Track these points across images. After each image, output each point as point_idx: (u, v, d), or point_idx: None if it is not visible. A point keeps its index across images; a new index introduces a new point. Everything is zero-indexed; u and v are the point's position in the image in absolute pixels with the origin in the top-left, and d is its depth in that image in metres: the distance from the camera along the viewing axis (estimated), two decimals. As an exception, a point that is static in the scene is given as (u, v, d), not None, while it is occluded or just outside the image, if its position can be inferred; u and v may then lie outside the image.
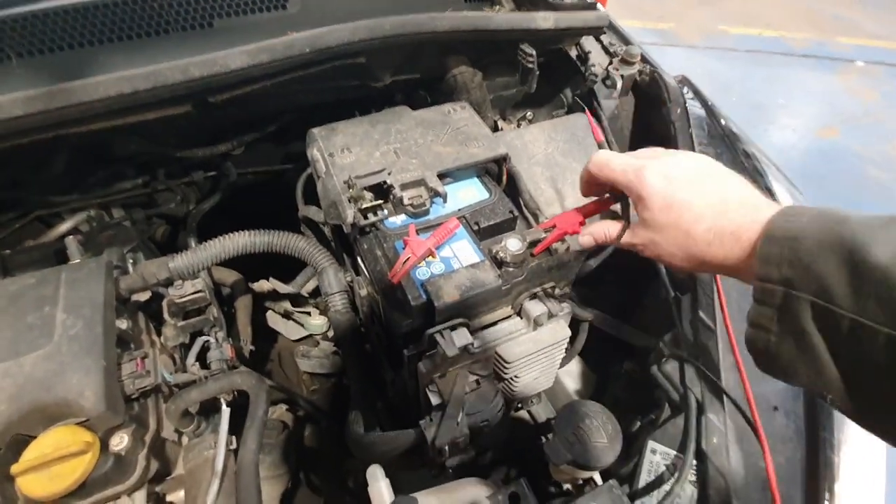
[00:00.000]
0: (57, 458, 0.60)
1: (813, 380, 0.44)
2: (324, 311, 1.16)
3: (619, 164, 0.60)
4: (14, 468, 0.59)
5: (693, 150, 0.85)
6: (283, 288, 1.21)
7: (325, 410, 1.01)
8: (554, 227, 0.72)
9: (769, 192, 0.83)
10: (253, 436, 0.64)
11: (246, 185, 1.29)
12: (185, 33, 0.80)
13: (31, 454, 0.60)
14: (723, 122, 0.92)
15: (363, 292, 0.86)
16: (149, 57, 0.71)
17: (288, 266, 1.10)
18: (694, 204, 0.53)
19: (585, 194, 0.68)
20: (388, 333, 0.73)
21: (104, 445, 0.64)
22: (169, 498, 0.76)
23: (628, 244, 0.61)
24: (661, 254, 0.57)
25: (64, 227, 1.06)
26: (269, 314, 1.24)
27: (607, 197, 0.67)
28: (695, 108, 0.95)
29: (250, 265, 1.06)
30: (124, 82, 0.69)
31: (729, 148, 0.87)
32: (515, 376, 0.72)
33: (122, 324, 0.73)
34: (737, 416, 0.61)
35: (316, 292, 1.22)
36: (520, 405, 0.91)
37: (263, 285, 1.23)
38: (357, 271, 0.88)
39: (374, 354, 0.86)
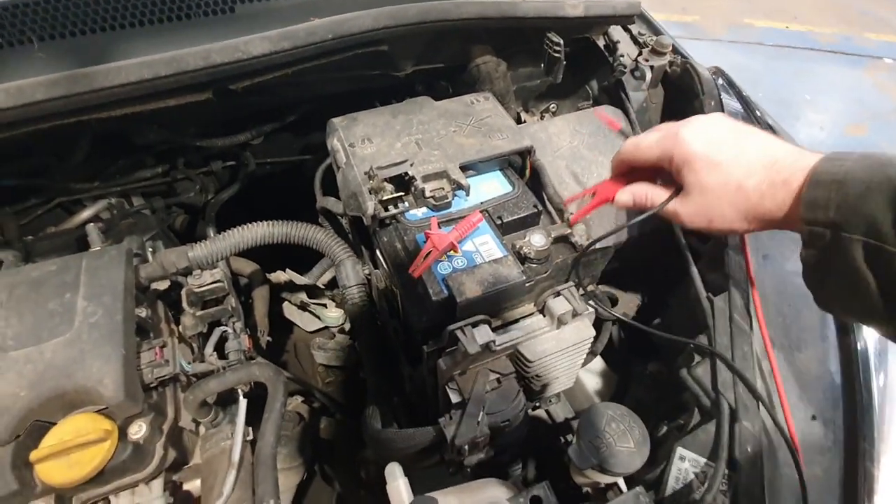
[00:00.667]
0: (76, 445, 0.60)
1: (864, 313, 0.46)
2: (340, 304, 1.16)
3: (652, 139, 0.59)
4: (33, 455, 0.59)
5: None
6: (300, 279, 1.21)
7: (340, 403, 1.00)
8: (594, 193, 0.69)
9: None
10: (271, 428, 0.64)
11: (264, 175, 1.28)
12: (207, 19, 0.79)
13: (50, 441, 0.60)
14: (759, 113, 0.88)
15: (381, 286, 0.85)
16: (170, 42, 0.70)
17: (305, 257, 1.09)
18: (741, 159, 0.52)
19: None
20: (407, 329, 0.72)
21: (122, 434, 0.64)
22: (186, 487, 0.76)
23: (673, 213, 0.58)
24: (713, 217, 0.55)
25: (85, 214, 1.07)
26: (286, 305, 1.24)
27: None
28: (728, 101, 0.91)
29: (267, 256, 1.06)
30: (145, 68, 0.68)
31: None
32: (537, 375, 0.70)
33: (142, 312, 0.72)
34: (772, 424, 0.58)
35: (332, 284, 1.21)
36: (538, 404, 0.89)
37: (280, 276, 1.22)
38: (375, 264, 0.87)
39: (392, 349, 0.85)
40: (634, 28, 1.06)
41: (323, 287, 1.24)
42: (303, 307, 1.24)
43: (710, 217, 0.55)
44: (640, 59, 0.98)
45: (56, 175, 1.03)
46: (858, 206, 0.43)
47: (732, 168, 0.52)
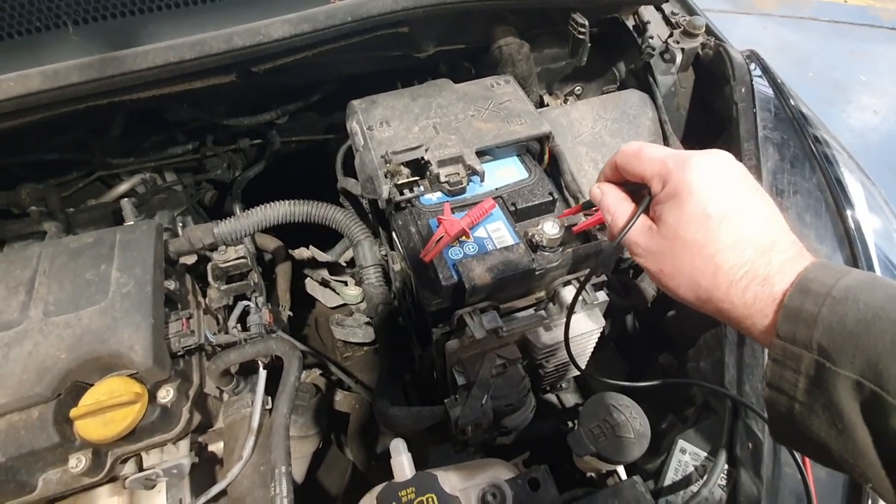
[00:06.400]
0: (111, 405, 0.65)
1: (849, 465, 0.36)
2: (360, 282, 1.19)
3: (656, 152, 0.47)
4: (73, 412, 0.64)
5: (756, 133, 0.78)
6: (322, 256, 1.25)
7: (356, 377, 1.04)
8: (595, 210, 0.69)
9: (838, 183, 0.75)
10: (285, 400, 0.67)
11: (289, 153, 1.31)
12: (231, 0, 0.81)
13: (87, 400, 0.66)
14: (792, 102, 0.84)
15: (397, 267, 0.87)
16: (196, 25, 0.72)
17: (328, 234, 1.13)
18: (738, 226, 0.42)
19: None
20: (418, 310, 0.74)
21: (152, 397, 0.69)
22: (210, 448, 0.82)
23: (632, 242, 0.48)
24: (665, 269, 0.45)
25: (122, 188, 1.12)
26: (308, 281, 1.28)
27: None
28: (762, 86, 0.86)
29: (292, 232, 1.09)
30: (171, 51, 0.70)
31: (797, 133, 0.79)
32: (545, 362, 0.71)
33: (170, 284, 0.77)
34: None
35: (353, 262, 1.24)
36: (548, 388, 0.90)
37: (303, 253, 1.26)
38: (392, 246, 0.88)
39: (406, 328, 0.87)
40: (668, 7, 1.01)
41: (344, 265, 1.27)
42: (324, 283, 1.28)
43: (662, 267, 0.46)
44: (670, 40, 0.94)
45: (94, 150, 1.08)
46: (858, 335, 0.34)
47: (722, 232, 0.42)
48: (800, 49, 3.78)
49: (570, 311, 0.55)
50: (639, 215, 0.48)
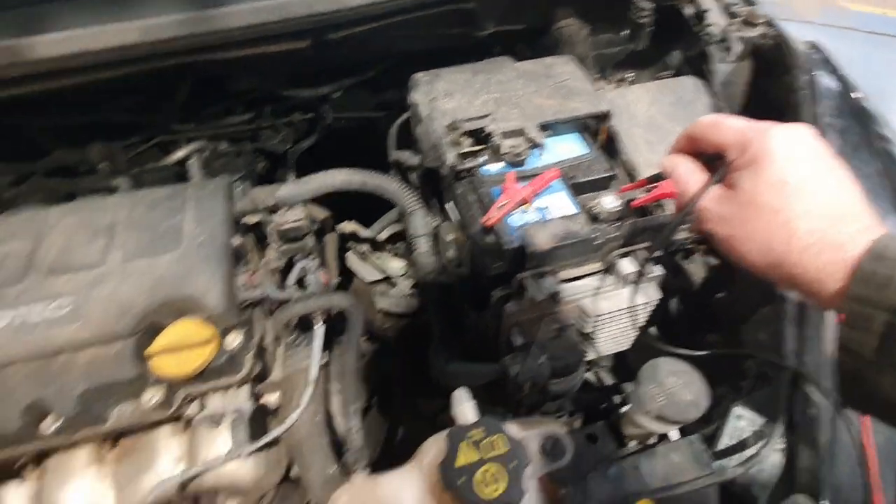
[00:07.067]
0: (184, 345, 0.69)
1: None
2: (404, 255, 1.22)
3: (735, 122, 0.49)
4: (149, 349, 0.69)
5: (817, 120, 0.78)
6: (364, 231, 1.28)
7: (399, 345, 1.07)
8: (656, 186, 0.70)
9: (899, 174, 0.75)
10: (352, 348, 0.71)
11: (337, 130, 1.35)
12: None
13: (162, 340, 0.70)
14: (855, 95, 0.84)
15: (448, 237, 0.89)
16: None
17: (365, 213, 1.17)
18: (814, 195, 0.43)
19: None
20: (475, 276, 0.76)
21: (221, 342, 0.73)
22: (265, 398, 0.86)
23: (702, 208, 0.49)
24: (736, 235, 0.47)
25: (180, 153, 1.17)
26: (349, 255, 1.32)
27: None
28: (823, 77, 0.86)
29: (332, 208, 1.13)
30: (255, 13, 0.74)
31: (860, 126, 0.79)
32: (596, 332, 0.73)
33: (237, 240, 0.80)
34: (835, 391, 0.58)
35: (392, 239, 1.27)
36: (588, 366, 0.92)
37: (346, 226, 1.30)
38: (444, 216, 0.91)
39: (454, 297, 0.90)
40: (726, -3, 1.02)
41: (383, 241, 1.30)
42: (364, 258, 1.31)
43: (733, 232, 0.47)
44: (729, 29, 0.95)
45: (159, 115, 1.13)
46: None
47: (796, 199, 0.43)
48: (840, 57, 3.70)
49: (636, 279, 0.57)
50: (715, 181, 0.50)
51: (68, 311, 0.69)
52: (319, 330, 0.82)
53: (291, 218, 0.90)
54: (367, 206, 1.07)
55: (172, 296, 0.71)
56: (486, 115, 0.76)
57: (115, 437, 0.75)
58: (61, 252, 0.74)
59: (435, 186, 0.92)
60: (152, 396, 0.70)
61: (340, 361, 0.71)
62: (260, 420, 0.85)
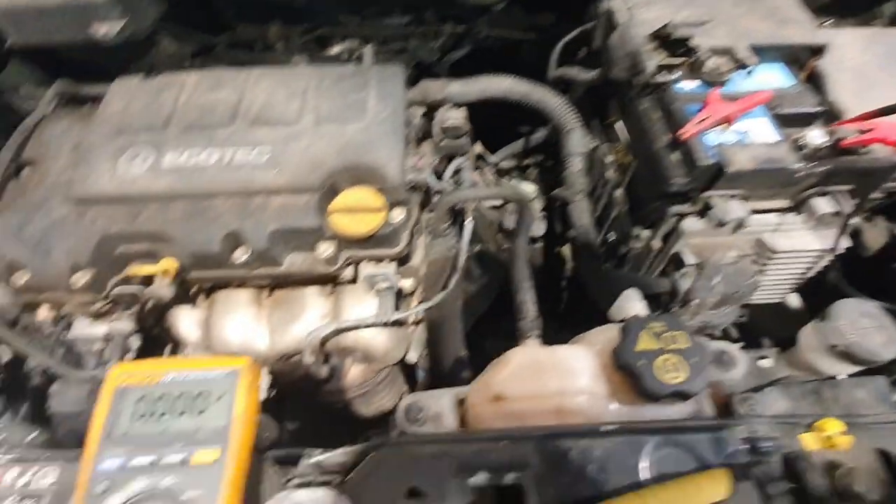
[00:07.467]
0: (359, 209, 0.74)
1: None
2: (534, 181, 1.22)
3: None
4: (330, 206, 0.74)
5: None
6: (490, 157, 1.29)
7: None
8: (871, 129, 0.65)
9: None
10: (524, 235, 0.73)
11: (483, 48, 1.33)
12: None
13: (342, 200, 0.75)
14: None
15: (608, 159, 0.88)
16: None
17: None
18: None
19: None
20: (648, 190, 0.74)
21: (388, 214, 0.77)
22: (402, 281, 0.91)
23: None
24: None
25: (336, 49, 1.21)
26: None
27: None
28: None
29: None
30: None
31: None
32: (769, 271, 0.70)
33: (415, 122, 0.83)
34: None
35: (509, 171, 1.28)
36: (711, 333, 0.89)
37: (476, 148, 1.31)
38: (609, 137, 0.89)
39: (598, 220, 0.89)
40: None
41: (506, 169, 1.31)
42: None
43: None
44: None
45: (325, 6, 1.17)
46: None
47: None
48: None
49: (846, 220, 0.53)
50: None
51: (268, 159, 0.75)
52: (469, 224, 0.85)
53: (454, 115, 0.92)
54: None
55: (356, 162, 0.76)
56: (703, 23, 0.72)
57: (272, 287, 0.83)
58: (263, 107, 0.80)
59: (600, 105, 0.90)
60: (325, 250, 0.76)
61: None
62: (398, 299, 0.91)
